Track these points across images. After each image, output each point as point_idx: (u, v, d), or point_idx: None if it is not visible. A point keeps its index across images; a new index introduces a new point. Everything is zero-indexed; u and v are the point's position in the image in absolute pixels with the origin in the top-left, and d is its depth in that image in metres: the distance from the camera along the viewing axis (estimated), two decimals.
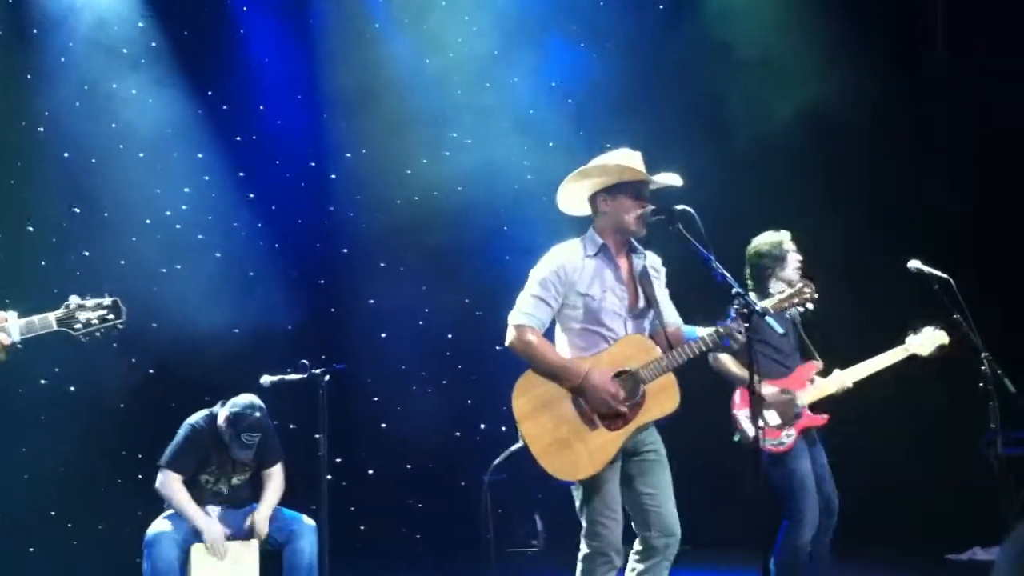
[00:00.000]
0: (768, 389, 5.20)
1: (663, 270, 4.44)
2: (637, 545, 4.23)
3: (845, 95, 7.58)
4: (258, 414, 5.41)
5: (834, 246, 6.99)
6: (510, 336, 4.24)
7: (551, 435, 4.13)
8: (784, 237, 5.45)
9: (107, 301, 4.02)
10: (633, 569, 4.21)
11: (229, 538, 5.34)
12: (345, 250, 8.23)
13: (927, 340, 5.33)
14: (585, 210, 4.39)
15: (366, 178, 8.11)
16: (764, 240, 5.46)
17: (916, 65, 7.89)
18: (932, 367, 5.47)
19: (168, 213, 7.55)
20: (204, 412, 5.52)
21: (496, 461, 5.67)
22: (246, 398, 5.46)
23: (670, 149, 5.05)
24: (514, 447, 4.91)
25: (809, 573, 5.26)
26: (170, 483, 5.32)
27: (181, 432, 5.46)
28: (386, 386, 8.22)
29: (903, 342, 5.36)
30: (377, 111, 7.85)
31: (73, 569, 6.72)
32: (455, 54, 8.19)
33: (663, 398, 4.18)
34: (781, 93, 7.74)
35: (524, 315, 4.23)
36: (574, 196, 4.37)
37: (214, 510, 5.39)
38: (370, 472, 8.10)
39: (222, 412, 5.42)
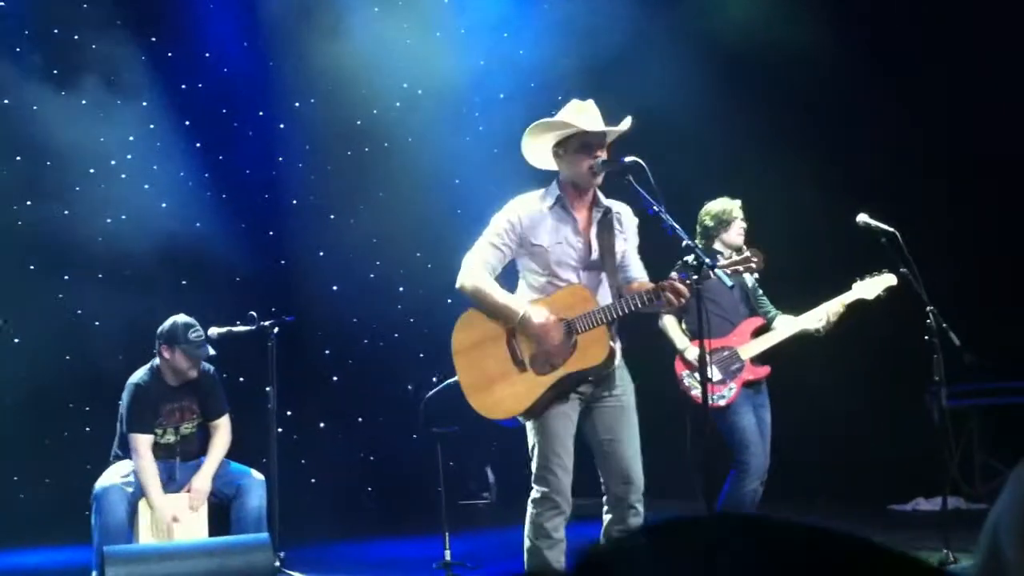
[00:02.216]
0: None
1: (633, 222, 4.42)
2: (607, 496, 4.25)
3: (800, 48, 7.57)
4: (188, 318, 5.38)
5: (784, 203, 7.03)
6: (460, 276, 4.29)
7: (481, 372, 4.21)
8: (734, 205, 5.60)
9: None
10: (609, 520, 4.24)
11: (176, 491, 5.31)
12: (294, 201, 8.14)
13: (873, 284, 5.41)
14: (548, 160, 4.38)
15: (315, 128, 8.00)
16: (715, 204, 5.62)
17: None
18: (877, 318, 5.55)
19: (113, 162, 7.41)
20: (142, 368, 5.46)
21: (430, 393, 5.69)
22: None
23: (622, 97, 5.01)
24: (445, 383, 4.99)
25: None
26: (139, 448, 5.26)
27: (127, 394, 5.40)
28: (337, 339, 8.19)
29: (850, 288, 5.44)
30: (327, 60, 7.73)
31: (21, 524, 6.65)
32: (404, 2, 8.07)
33: (592, 350, 4.19)
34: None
35: (475, 256, 4.28)
36: (538, 150, 4.36)
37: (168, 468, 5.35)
38: (321, 425, 8.08)
39: (158, 343, 5.36)
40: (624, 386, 4.33)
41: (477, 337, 4.24)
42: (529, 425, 4.23)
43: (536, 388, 4.17)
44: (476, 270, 4.25)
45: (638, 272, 4.40)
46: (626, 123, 4.28)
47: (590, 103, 4.32)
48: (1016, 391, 7.23)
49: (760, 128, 7.54)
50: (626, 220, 4.42)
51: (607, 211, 4.36)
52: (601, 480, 4.26)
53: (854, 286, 5.43)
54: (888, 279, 5.39)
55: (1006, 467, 6.97)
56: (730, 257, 4.27)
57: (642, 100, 5.89)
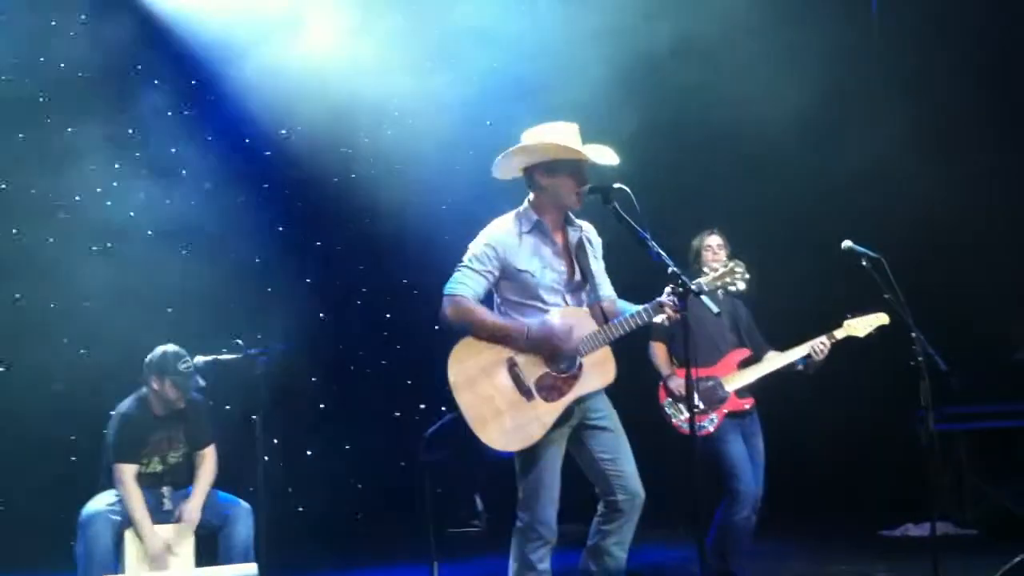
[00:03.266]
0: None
1: (599, 241, 4.47)
2: (602, 508, 4.26)
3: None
4: (177, 348, 5.36)
5: (767, 231, 7.06)
6: (445, 307, 4.23)
7: (486, 405, 4.15)
8: (705, 232, 5.71)
9: None
10: (600, 532, 4.24)
11: (163, 521, 5.27)
12: (281, 228, 8.12)
13: (865, 321, 5.44)
14: (515, 174, 4.37)
15: (302, 156, 8.00)
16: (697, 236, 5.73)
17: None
18: (863, 346, 5.56)
19: (99, 190, 7.38)
20: (129, 397, 5.43)
21: (430, 431, 5.66)
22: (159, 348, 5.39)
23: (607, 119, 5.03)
24: (448, 417, 4.93)
25: (734, 552, 5.40)
26: (123, 478, 5.23)
27: (113, 423, 5.38)
28: (324, 366, 8.15)
29: (840, 324, 5.47)
30: (315, 89, 7.73)
31: (5, 551, 6.58)
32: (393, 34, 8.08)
33: (600, 370, 4.21)
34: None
35: (459, 285, 4.25)
36: (509, 166, 4.36)
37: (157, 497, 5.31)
38: (308, 453, 8.03)
39: (147, 374, 5.34)
40: (608, 408, 4.34)
41: (476, 369, 4.18)
42: (519, 453, 4.20)
43: (547, 415, 4.15)
44: (461, 299, 4.22)
45: (609, 291, 4.42)
46: (615, 158, 4.29)
47: (575, 126, 4.33)
48: (1004, 415, 7.25)
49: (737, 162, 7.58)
50: (594, 239, 4.45)
51: (580, 230, 4.38)
52: (601, 495, 4.25)
53: (845, 323, 5.47)
54: (880, 318, 5.43)
55: (995, 491, 6.98)
56: (724, 267, 4.27)
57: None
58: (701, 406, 5.42)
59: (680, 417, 5.44)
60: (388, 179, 8.04)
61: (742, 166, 7.86)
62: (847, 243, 5.43)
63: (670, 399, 5.50)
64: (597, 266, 4.42)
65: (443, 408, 5.89)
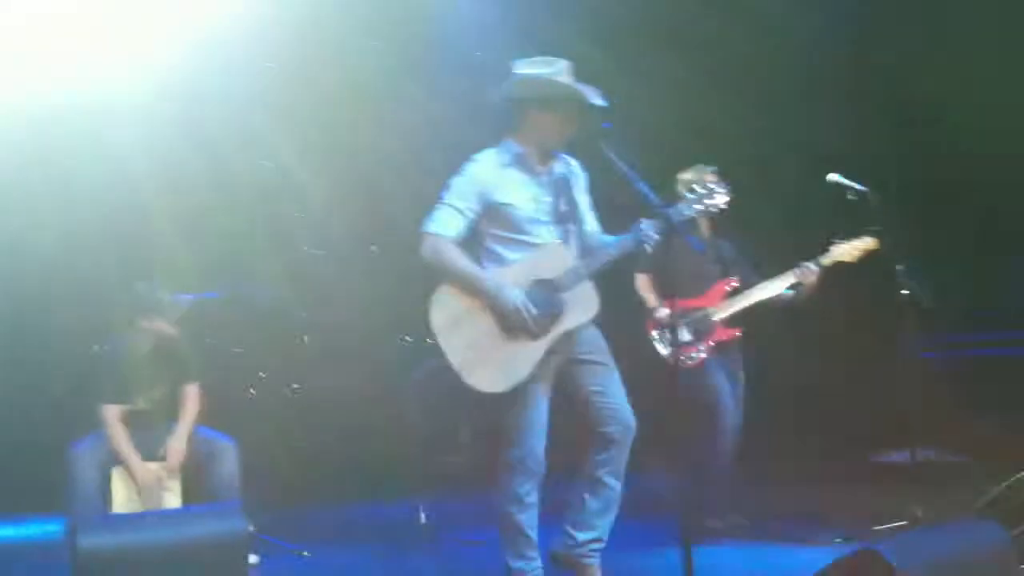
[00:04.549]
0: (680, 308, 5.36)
1: (583, 175, 4.44)
2: (594, 440, 4.28)
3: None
4: (152, 282, 5.36)
5: (753, 163, 7.01)
6: (424, 245, 4.20)
7: (471, 347, 4.13)
8: (707, 170, 5.51)
9: None
10: (593, 462, 4.28)
11: (148, 459, 5.28)
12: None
13: (853, 247, 5.43)
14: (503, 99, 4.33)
15: None
16: (688, 172, 5.61)
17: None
18: (850, 276, 5.56)
19: None
20: (110, 337, 5.41)
21: (416, 376, 5.66)
22: None
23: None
24: (432, 362, 4.92)
25: (716, 482, 5.45)
26: (108, 418, 5.23)
27: (95, 363, 5.38)
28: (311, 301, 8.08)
29: (827, 250, 5.45)
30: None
31: None
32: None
33: (582, 304, 4.21)
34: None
35: (435, 222, 4.21)
36: (498, 93, 4.32)
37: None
38: (295, 387, 8.01)
39: (133, 313, 5.32)
40: (598, 341, 4.35)
41: (459, 311, 4.16)
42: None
43: (533, 352, 4.15)
44: (439, 239, 4.18)
45: (593, 224, 4.40)
46: (603, 101, 4.24)
47: (570, 65, 4.27)
48: (987, 343, 7.29)
49: (730, 93, 7.48)
50: (579, 172, 4.42)
51: (565, 163, 4.36)
52: (593, 427, 4.27)
53: (832, 248, 5.44)
54: (868, 242, 5.41)
55: (978, 419, 7.04)
56: (704, 189, 4.26)
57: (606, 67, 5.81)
58: (689, 337, 5.42)
59: (668, 347, 5.44)
60: None
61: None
62: (833, 176, 5.42)
63: (657, 330, 5.50)
64: (582, 199, 4.39)
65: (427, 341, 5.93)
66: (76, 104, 6.61)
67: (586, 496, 4.30)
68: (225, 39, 6.64)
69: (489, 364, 4.13)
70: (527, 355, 4.14)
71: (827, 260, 5.44)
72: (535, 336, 4.14)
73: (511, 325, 4.13)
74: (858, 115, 7.52)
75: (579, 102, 4.21)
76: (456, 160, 4.41)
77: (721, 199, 4.23)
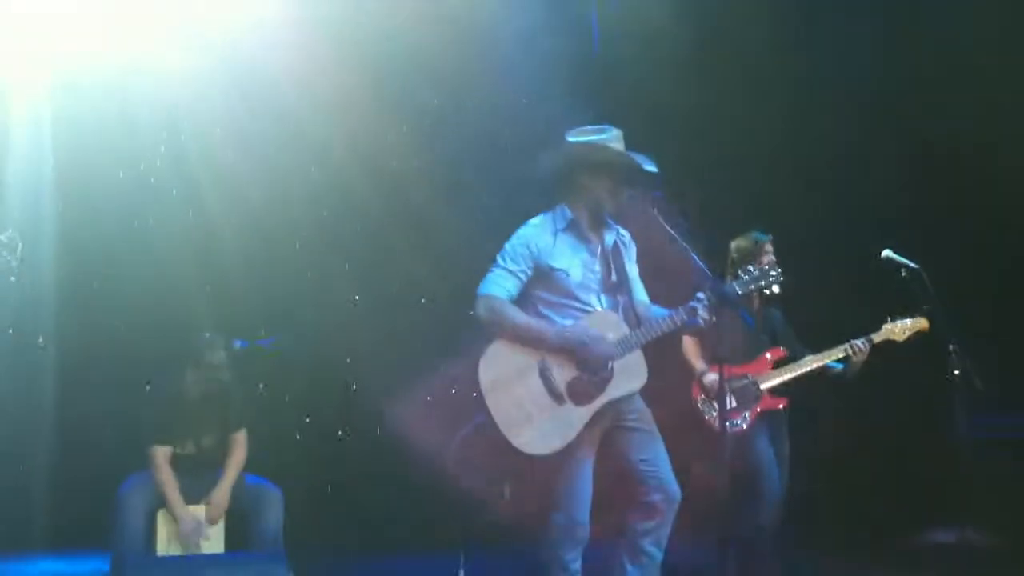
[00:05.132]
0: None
1: (633, 245, 4.49)
2: (637, 509, 4.28)
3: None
4: (213, 333, 5.46)
5: (805, 237, 7.00)
6: (477, 307, 4.26)
7: (517, 408, 4.16)
8: (763, 239, 5.64)
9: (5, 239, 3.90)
10: (636, 531, 4.28)
11: (195, 504, 5.34)
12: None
13: (905, 326, 5.42)
14: (554, 172, 4.39)
15: None
16: (743, 238, 5.66)
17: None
18: (896, 352, 5.54)
19: None
20: (162, 378, 5.49)
21: (463, 433, 5.68)
22: None
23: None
24: (479, 419, 4.94)
25: (760, 556, 5.41)
26: (157, 460, 5.31)
27: (147, 404, 5.46)
28: (357, 350, 8.15)
29: (879, 328, 5.45)
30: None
31: (42, 530, 6.70)
32: None
33: (631, 374, 4.23)
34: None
35: (494, 285, 4.27)
36: (550, 161, 4.38)
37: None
38: (339, 434, 8.06)
39: (183, 359, 5.42)
40: (642, 409, 4.36)
41: (507, 371, 4.19)
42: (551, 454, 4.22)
43: (579, 419, 4.16)
44: (493, 298, 4.24)
45: (643, 295, 4.43)
46: (654, 167, 4.30)
47: (620, 133, 4.34)
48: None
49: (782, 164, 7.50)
50: (629, 242, 4.46)
51: (616, 233, 4.40)
52: (639, 496, 4.27)
53: (884, 327, 5.45)
54: (920, 323, 5.41)
55: None
56: (759, 270, 4.28)
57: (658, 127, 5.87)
58: (734, 404, 5.41)
59: (713, 414, 5.43)
60: None
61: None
62: (886, 252, 5.42)
63: (703, 396, 5.48)
64: (632, 270, 4.43)
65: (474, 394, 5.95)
66: (140, 141, 6.79)
67: (627, 565, 4.29)
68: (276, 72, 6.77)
69: (535, 426, 4.15)
70: (574, 419, 4.16)
71: (878, 337, 5.45)
72: (583, 401, 4.16)
73: (569, 387, 4.15)
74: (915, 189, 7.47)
75: (630, 168, 4.27)
76: (509, 210, 4.50)
77: (775, 284, 4.24)
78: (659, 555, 4.29)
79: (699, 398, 5.50)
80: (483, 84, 7.26)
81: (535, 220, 4.39)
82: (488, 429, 4.23)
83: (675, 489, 4.27)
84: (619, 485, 4.32)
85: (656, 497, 4.24)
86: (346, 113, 7.06)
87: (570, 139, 4.34)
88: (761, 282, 4.27)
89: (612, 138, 4.31)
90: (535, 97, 7.09)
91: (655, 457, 4.29)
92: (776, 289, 4.30)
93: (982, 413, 6.10)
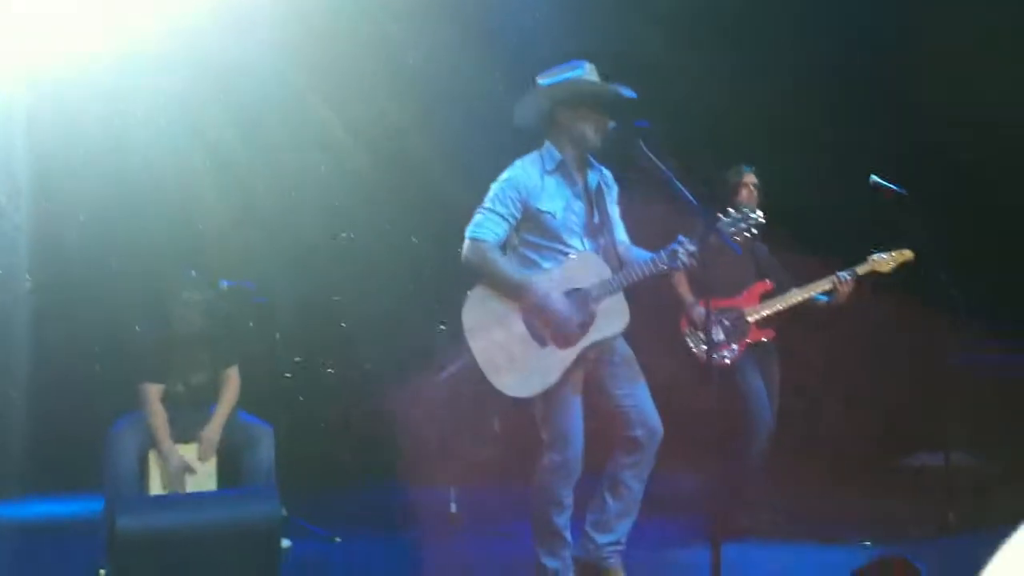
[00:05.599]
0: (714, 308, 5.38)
1: (615, 186, 4.46)
2: (620, 443, 4.31)
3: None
4: (197, 272, 5.45)
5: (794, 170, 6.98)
6: (464, 249, 4.25)
7: (500, 351, 4.17)
8: (742, 169, 5.64)
9: None
10: (618, 464, 4.31)
11: (188, 442, 5.36)
12: None
13: (890, 258, 5.43)
14: (534, 119, 4.36)
15: None
16: (726, 172, 5.65)
17: None
18: (888, 283, 5.55)
19: None
20: (151, 317, 5.47)
21: (444, 375, 5.70)
22: None
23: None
24: (461, 362, 4.95)
25: (747, 480, 5.47)
26: (148, 397, 5.31)
27: (136, 342, 5.44)
28: (347, 284, 8.15)
29: (864, 259, 5.46)
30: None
31: (29, 460, 6.73)
32: None
33: (613, 317, 4.22)
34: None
35: (481, 228, 4.24)
36: (529, 110, 4.33)
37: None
38: (330, 371, 8.09)
39: (172, 298, 5.41)
40: (622, 345, 4.37)
41: (491, 315, 4.19)
42: (539, 396, 4.23)
43: (561, 362, 4.17)
44: (480, 243, 4.21)
45: (623, 235, 4.41)
46: (631, 92, 4.26)
47: (591, 66, 4.29)
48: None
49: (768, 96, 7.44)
50: (611, 183, 4.44)
51: (600, 173, 4.37)
52: (621, 431, 4.29)
53: (870, 258, 5.45)
54: (904, 254, 5.41)
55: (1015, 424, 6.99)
56: (740, 212, 4.27)
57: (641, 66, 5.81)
58: (722, 337, 5.44)
59: (701, 347, 5.46)
60: None
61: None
62: (874, 177, 5.41)
63: (691, 328, 5.51)
64: (613, 211, 4.41)
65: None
66: (128, 88, 6.72)
67: (607, 498, 4.33)
68: (271, 31, 6.70)
69: (517, 368, 4.16)
70: (555, 362, 4.17)
71: (863, 269, 5.46)
72: (565, 344, 4.17)
73: (551, 331, 4.16)
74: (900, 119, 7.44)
75: (607, 96, 4.24)
76: (498, 151, 4.46)
77: (754, 227, 4.23)
78: (639, 489, 4.32)
79: (686, 330, 5.52)
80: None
81: (523, 160, 4.34)
82: (469, 372, 4.25)
83: (656, 424, 4.29)
84: (601, 421, 4.34)
85: (638, 432, 4.26)
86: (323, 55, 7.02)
87: (543, 82, 4.30)
88: (741, 224, 4.25)
89: (586, 72, 4.27)
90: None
91: (637, 392, 4.30)
92: (755, 232, 4.28)
93: (970, 342, 6.17)
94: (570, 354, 4.17)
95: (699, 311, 5.45)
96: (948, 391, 5.68)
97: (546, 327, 4.17)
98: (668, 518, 5.70)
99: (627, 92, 4.25)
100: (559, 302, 4.14)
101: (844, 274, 5.45)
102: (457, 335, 4.23)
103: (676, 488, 6.11)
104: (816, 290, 5.52)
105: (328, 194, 7.82)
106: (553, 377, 4.16)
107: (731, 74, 7.52)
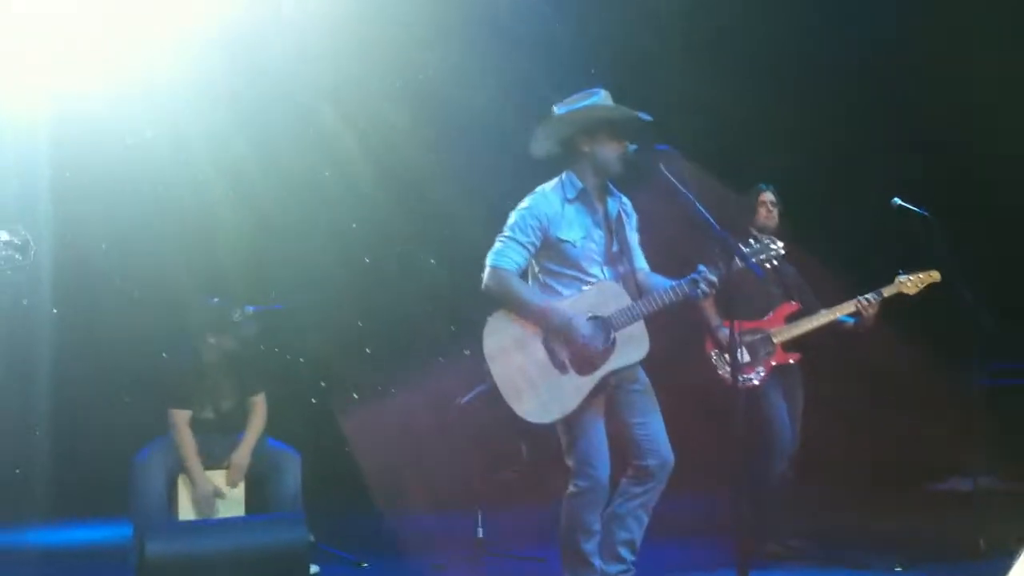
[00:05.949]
0: (740, 329, 5.35)
1: (635, 214, 4.47)
2: (631, 472, 4.31)
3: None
4: (225, 299, 5.49)
5: (816, 186, 6.99)
6: (486, 277, 4.25)
7: (520, 376, 4.16)
8: (763, 190, 5.61)
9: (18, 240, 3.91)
10: (627, 494, 4.30)
11: (215, 467, 5.40)
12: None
13: (917, 279, 5.41)
14: (552, 149, 4.38)
15: None
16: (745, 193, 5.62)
17: None
18: (915, 303, 5.53)
19: None
20: (180, 343, 5.53)
21: (464, 400, 5.71)
22: None
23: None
24: (481, 387, 4.95)
25: (771, 504, 5.43)
26: (177, 423, 5.35)
27: (166, 368, 5.50)
28: (371, 313, 8.19)
29: (891, 281, 5.44)
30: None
31: (58, 487, 6.79)
32: None
33: (632, 345, 4.22)
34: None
35: (500, 256, 4.25)
36: (547, 140, 4.36)
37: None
38: (355, 397, 8.12)
39: (202, 327, 5.45)
40: (642, 375, 4.37)
41: (511, 341, 4.19)
42: (563, 423, 4.23)
43: (581, 389, 4.17)
44: (501, 271, 4.22)
45: (643, 263, 4.42)
46: (647, 116, 4.28)
47: (606, 92, 4.32)
48: None
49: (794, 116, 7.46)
50: (631, 211, 4.45)
51: (619, 201, 4.39)
52: (633, 460, 4.30)
53: (897, 279, 5.42)
54: (932, 275, 5.38)
55: None
56: (760, 243, 4.28)
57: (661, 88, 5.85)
58: (748, 359, 5.41)
59: (727, 368, 5.42)
60: None
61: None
62: (896, 200, 5.40)
63: (717, 350, 5.47)
64: (633, 238, 4.42)
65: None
66: (150, 113, 6.80)
67: (615, 528, 4.32)
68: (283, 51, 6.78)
69: (537, 394, 4.15)
70: (575, 389, 4.17)
71: (888, 291, 5.43)
72: (586, 370, 4.18)
73: (573, 356, 4.18)
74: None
75: (625, 121, 4.25)
76: (516, 178, 4.48)
77: (776, 253, 4.23)
78: (646, 518, 4.32)
79: (713, 352, 5.49)
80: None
81: (544, 188, 4.35)
82: (490, 398, 4.26)
83: (668, 454, 4.28)
84: (615, 447, 4.34)
85: (649, 462, 4.25)
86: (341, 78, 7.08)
87: (560, 111, 4.32)
88: (762, 256, 4.26)
89: (601, 98, 4.29)
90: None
91: (651, 422, 4.29)
92: (775, 263, 4.29)
93: (997, 360, 6.14)
94: (590, 381, 4.17)
95: (725, 332, 5.41)
96: (975, 414, 5.63)
97: (567, 352, 4.18)
98: (695, 541, 5.68)
99: (644, 116, 4.27)
100: (584, 326, 4.14)
101: (870, 296, 5.42)
102: (479, 360, 4.23)
103: (702, 511, 6.09)
104: (842, 312, 5.48)
105: (345, 216, 7.88)
106: (573, 404, 4.16)
107: (754, 95, 7.54)
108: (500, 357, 4.18)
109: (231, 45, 6.58)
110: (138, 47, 6.37)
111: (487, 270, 4.25)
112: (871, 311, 5.41)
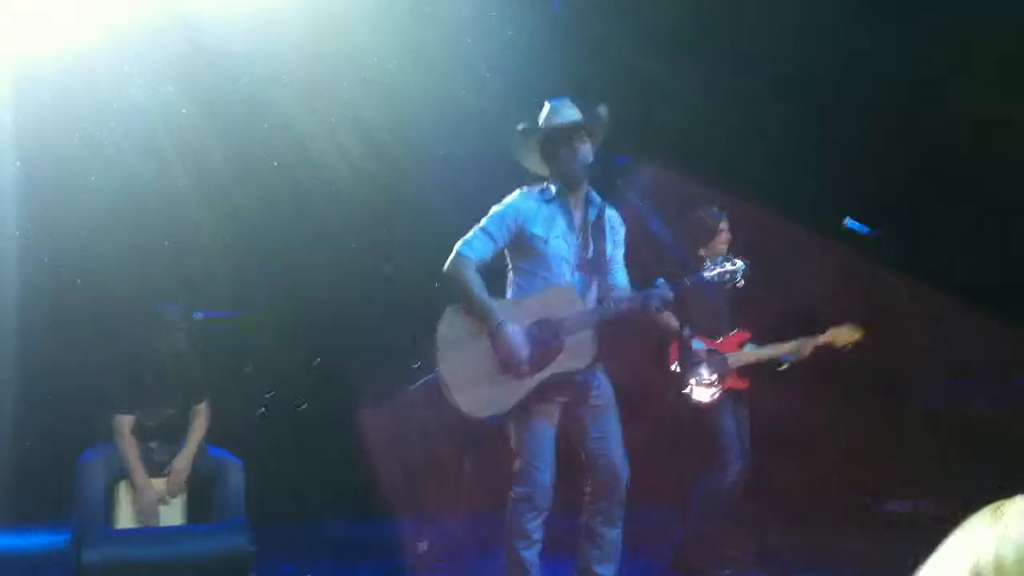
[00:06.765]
0: (699, 345, 5.36)
1: (621, 228, 4.49)
2: (588, 485, 4.35)
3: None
4: (171, 304, 5.46)
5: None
6: (449, 261, 4.31)
7: (465, 369, 4.21)
8: (720, 216, 5.60)
9: None
10: (588, 508, 4.35)
11: (156, 475, 5.31)
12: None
13: (845, 334, 5.49)
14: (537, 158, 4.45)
15: None
16: (702, 210, 5.60)
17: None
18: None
19: None
20: (124, 349, 5.45)
21: (412, 387, 5.70)
22: None
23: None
24: (430, 376, 4.96)
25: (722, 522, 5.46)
26: (120, 429, 5.28)
27: (109, 374, 5.42)
28: (317, 323, 8.10)
29: (824, 331, 5.50)
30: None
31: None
32: None
33: (576, 353, 4.23)
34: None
35: (467, 245, 4.31)
36: (521, 154, 4.44)
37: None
38: (304, 406, 8.02)
39: (146, 331, 5.39)
40: (604, 386, 4.38)
41: (462, 333, 4.23)
42: (512, 425, 4.24)
43: (520, 388, 4.18)
44: (463, 260, 4.26)
45: (622, 278, 4.44)
46: (600, 113, 4.30)
47: (565, 100, 4.36)
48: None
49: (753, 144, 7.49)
50: (617, 224, 4.47)
51: (601, 211, 4.40)
52: (589, 474, 4.32)
53: (829, 330, 5.50)
54: (855, 335, 5.46)
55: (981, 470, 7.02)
56: (720, 264, 4.31)
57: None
58: (707, 376, 5.42)
59: (691, 381, 5.37)
60: None
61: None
62: (848, 220, 5.47)
63: (680, 359, 5.40)
64: (614, 251, 4.44)
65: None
66: (101, 107, 6.69)
67: (586, 545, 4.37)
68: (253, 47, 6.70)
69: (476, 388, 4.20)
70: (511, 390, 4.20)
71: (822, 340, 5.50)
72: (521, 374, 4.18)
73: (503, 360, 4.18)
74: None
75: (571, 127, 4.29)
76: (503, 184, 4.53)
77: (738, 276, 4.28)
78: (611, 532, 4.35)
79: (675, 363, 5.43)
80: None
81: (526, 188, 4.42)
82: (436, 385, 4.28)
83: (621, 469, 4.32)
84: (577, 460, 4.36)
85: (603, 476, 4.29)
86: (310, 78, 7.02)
87: (519, 128, 4.41)
88: (726, 277, 4.30)
89: (556, 105, 4.34)
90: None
91: (608, 437, 4.32)
92: (740, 284, 4.34)
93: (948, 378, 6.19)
94: (525, 384, 4.18)
95: (701, 346, 5.40)
96: (915, 434, 5.71)
97: (501, 355, 4.19)
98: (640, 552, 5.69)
99: (562, 119, 4.29)
100: (512, 335, 4.15)
101: (806, 340, 5.50)
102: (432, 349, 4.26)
103: (646, 522, 6.09)
104: (784, 351, 5.55)
105: (319, 221, 7.80)
106: (506, 405, 4.19)
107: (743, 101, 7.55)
108: (449, 347, 4.22)
109: (201, 38, 6.50)
110: (106, 40, 6.26)
111: (452, 254, 4.29)
112: (804, 354, 5.49)
